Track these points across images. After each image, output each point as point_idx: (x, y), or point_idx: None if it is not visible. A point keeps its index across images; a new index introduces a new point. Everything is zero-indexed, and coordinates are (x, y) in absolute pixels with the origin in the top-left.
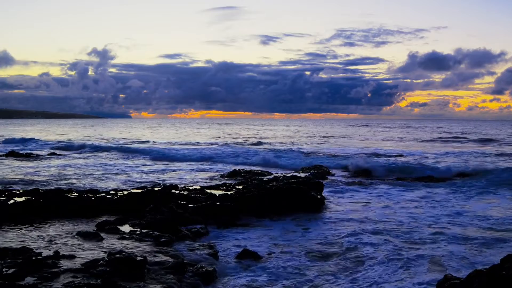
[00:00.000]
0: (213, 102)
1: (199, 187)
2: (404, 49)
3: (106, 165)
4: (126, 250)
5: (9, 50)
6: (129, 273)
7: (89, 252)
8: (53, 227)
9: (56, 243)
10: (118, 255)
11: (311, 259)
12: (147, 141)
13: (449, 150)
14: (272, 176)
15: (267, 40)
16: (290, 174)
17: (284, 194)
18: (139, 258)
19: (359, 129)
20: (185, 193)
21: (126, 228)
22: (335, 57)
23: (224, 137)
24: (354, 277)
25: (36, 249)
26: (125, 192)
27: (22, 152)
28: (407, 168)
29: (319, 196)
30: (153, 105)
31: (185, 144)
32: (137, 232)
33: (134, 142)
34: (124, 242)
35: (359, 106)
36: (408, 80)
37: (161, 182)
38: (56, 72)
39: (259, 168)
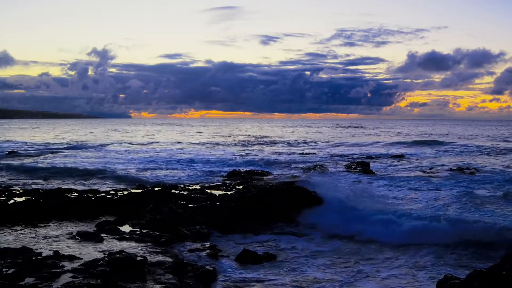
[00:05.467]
0: (213, 102)
1: (199, 187)
2: (404, 49)
3: None
4: (126, 250)
5: (9, 50)
6: (129, 273)
7: (89, 252)
8: (53, 227)
9: (56, 243)
10: (118, 255)
11: (312, 256)
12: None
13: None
14: (272, 176)
15: (267, 40)
16: (291, 174)
17: (284, 194)
18: (139, 258)
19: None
20: (185, 193)
21: (126, 228)
22: (335, 57)
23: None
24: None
25: (36, 249)
26: (125, 192)
27: None
28: None
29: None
30: (153, 105)
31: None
32: (137, 232)
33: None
34: (124, 242)
35: (359, 106)
36: (408, 80)
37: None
38: (56, 72)
39: (258, 168)
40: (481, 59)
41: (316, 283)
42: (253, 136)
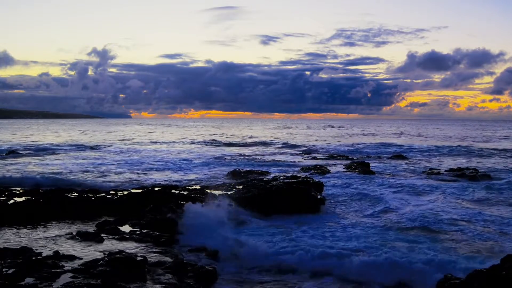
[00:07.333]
0: (213, 102)
1: (199, 187)
2: (404, 49)
3: None
4: (126, 250)
5: (9, 50)
6: (129, 273)
7: (89, 252)
8: (53, 227)
9: (56, 243)
10: (118, 255)
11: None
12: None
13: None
14: (272, 176)
15: (267, 40)
16: (291, 174)
17: (284, 194)
18: (139, 258)
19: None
20: (185, 193)
21: (126, 228)
22: (335, 57)
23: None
24: None
25: (36, 249)
26: (125, 192)
27: None
28: None
29: (319, 196)
30: (153, 105)
31: None
32: (137, 232)
33: None
34: (124, 242)
35: (359, 106)
36: (408, 80)
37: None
38: (56, 72)
39: (258, 168)
40: (481, 59)
41: (318, 281)
42: (253, 136)
